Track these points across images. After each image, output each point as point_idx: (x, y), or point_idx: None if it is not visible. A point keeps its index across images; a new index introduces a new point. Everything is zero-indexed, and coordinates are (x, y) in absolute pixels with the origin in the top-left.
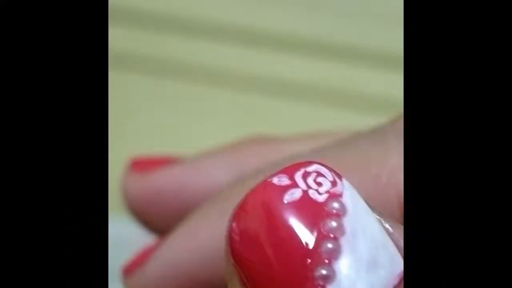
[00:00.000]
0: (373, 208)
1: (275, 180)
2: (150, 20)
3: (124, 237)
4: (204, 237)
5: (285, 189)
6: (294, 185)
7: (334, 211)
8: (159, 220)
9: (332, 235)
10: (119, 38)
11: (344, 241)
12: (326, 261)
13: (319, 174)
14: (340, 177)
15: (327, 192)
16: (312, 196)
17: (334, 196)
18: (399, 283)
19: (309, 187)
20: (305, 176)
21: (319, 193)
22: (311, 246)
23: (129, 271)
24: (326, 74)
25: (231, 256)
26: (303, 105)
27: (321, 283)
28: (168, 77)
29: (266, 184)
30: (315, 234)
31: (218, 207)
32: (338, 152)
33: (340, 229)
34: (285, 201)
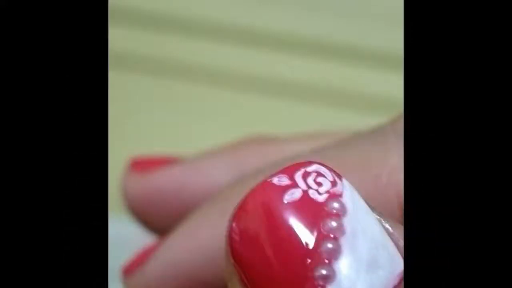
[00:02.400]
0: (373, 208)
1: (275, 180)
2: (150, 20)
3: (124, 237)
4: (204, 237)
5: (285, 189)
6: (294, 185)
7: (334, 211)
8: (159, 220)
9: (332, 235)
10: (119, 38)
11: (344, 241)
12: (326, 261)
13: (319, 174)
14: (340, 177)
15: (327, 192)
16: (312, 196)
17: (334, 196)
18: (399, 283)
19: (309, 187)
20: (305, 176)
21: (319, 193)
22: (311, 246)
23: (129, 271)
24: (326, 74)
25: (231, 256)
26: (303, 105)
27: (321, 283)
28: (168, 77)
29: (266, 184)
30: (315, 234)
31: (218, 207)
32: (338, 152)
33: (340, 229)
34: (285, 201)
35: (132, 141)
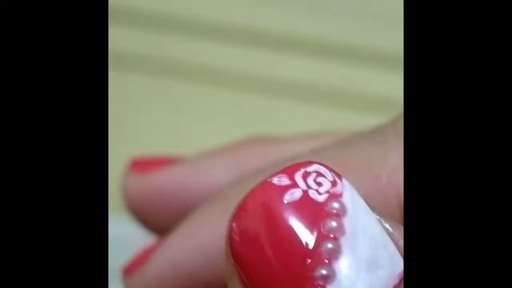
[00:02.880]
0: (373, 208)
1: (275, 180)
2: (150, 20)
3: (124, 237)
4: (204, 237)
5: (285, 189)
6: (294, 185)
7: (334, 211)
8: (159, 220)
9: (332, 235)
10: (119, 38)
11: (344, 241)
12: (326, 261)
13: (319, 174)
14: (340, 177)
15: (327, 192)
16: (312, 196)
17: (334, 196)
18: (399, 283)
19: (309, 187)
20: (305, 176)
21: (319, 193)
22: (311, 246)
23: (129, 271)
24: (326, 74)
25: (231, 256)
26: (303, 105)
27: (321, 283)
28: (168, 77)
29: (266, 184)
30: (315, 234)
31: (218, 207)
32: (338, 152)
33: (340, 229)
34: (285, 201)
35: (132, 141)
